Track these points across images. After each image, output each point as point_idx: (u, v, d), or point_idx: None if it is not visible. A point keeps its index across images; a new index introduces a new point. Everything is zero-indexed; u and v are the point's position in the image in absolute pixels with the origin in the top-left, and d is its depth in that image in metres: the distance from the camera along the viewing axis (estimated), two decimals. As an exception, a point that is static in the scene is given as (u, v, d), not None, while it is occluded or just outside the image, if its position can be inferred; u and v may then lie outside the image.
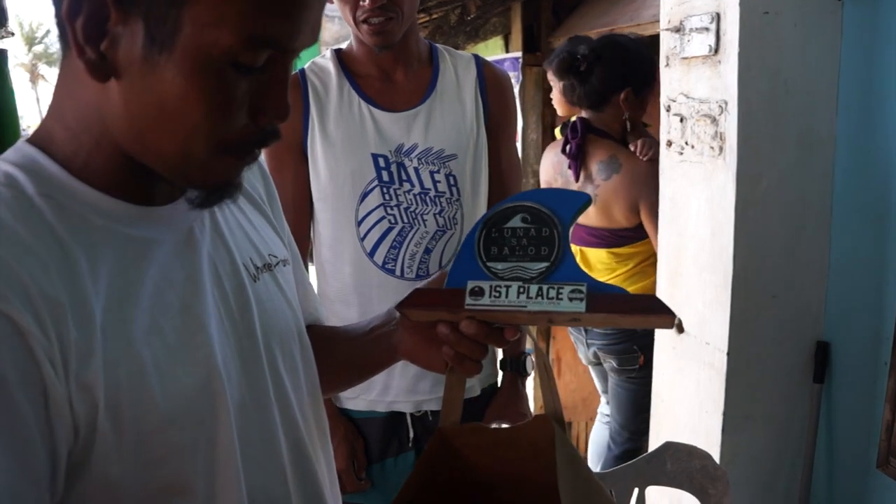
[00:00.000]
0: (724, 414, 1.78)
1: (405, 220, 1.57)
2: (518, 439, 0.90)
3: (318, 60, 1.66)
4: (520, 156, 3.81)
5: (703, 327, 1.85)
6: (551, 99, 3.71)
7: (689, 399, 1.95)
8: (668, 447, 1.69)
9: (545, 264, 0.81)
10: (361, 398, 1.65)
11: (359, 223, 1.57)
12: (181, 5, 0.62)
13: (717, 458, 1.79)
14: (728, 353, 1.75)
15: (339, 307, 1.63)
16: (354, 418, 1.67)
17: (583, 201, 0.83)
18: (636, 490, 1.72)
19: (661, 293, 2.05)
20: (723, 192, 1.72)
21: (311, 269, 1.69)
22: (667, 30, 1.93)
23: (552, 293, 0.79)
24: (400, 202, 1.57)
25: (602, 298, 0.78)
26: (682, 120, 1.90)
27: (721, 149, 1.73)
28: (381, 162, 1.56)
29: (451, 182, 1.59)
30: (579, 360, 3.83)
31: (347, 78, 1.61)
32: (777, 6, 1.66)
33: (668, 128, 2.00)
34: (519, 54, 3.76)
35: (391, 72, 1.61)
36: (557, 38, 3.66)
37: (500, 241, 0.83)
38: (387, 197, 1.56)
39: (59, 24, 0.66)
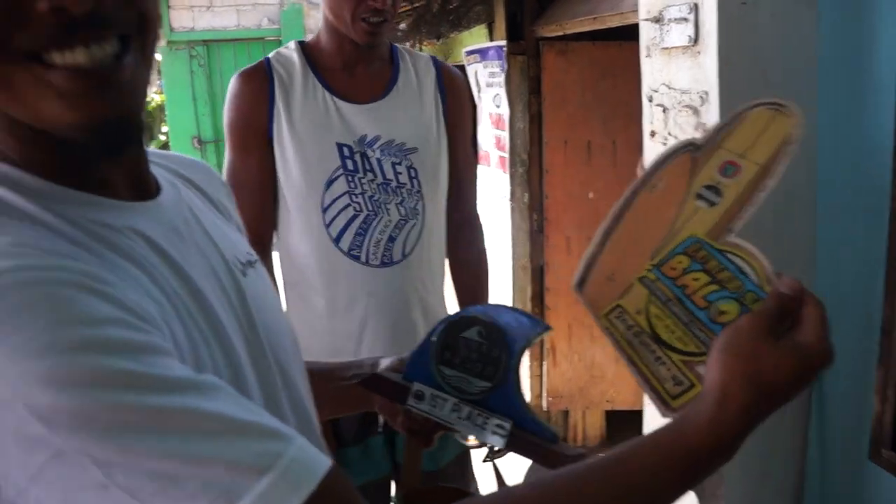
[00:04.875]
0: (715, 408, 1.77)
1: (369, 209, 1.62)
2: None
3: (282, 51, 1.72)
4: (507, 145, 3.81)
5: (692, 321, 1.83)
6: (537, 87, 3.70)
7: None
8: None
9: (487, 384, 0.83)
10: None
11: (324, 210, 1.62)
12: None
13: (709, 452, 1.78)
14: (716, 348, 1.74)
15: (305, 291, 1.67)
16: None
17: (540, 331, 0.85)
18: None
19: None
20: (706, 185, 1.70)
21: (275, 256, 1.73)
22: (646, 20, 1.91)
23: (480, 421, 0.82)
24: (364, 191, 1.61)
25: (522, 440, 0.81)
26: (664, 110, 1.87)
27: (703, 141, 1.71)
28: (346, 151, 1.61)
29: (412, 174, 1.64)
30: (573, 349, 3.83)
31: (312, 70, 1.65)
32: (755, -5, 1.63)
33: (650, 118, 1.98)
34: (503, 43, 3.72)
35: (354, 66, 1.66)
36: (541, 26, 3.63)
37: (454, 347, 0.86)
38: (352, 185, 1.61)
39: None
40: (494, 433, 0.80)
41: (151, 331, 0.57)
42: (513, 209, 3.90)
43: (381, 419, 1.72)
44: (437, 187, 1.71)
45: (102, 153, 0.64)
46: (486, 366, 0.83)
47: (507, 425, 0.80)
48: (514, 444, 0.80)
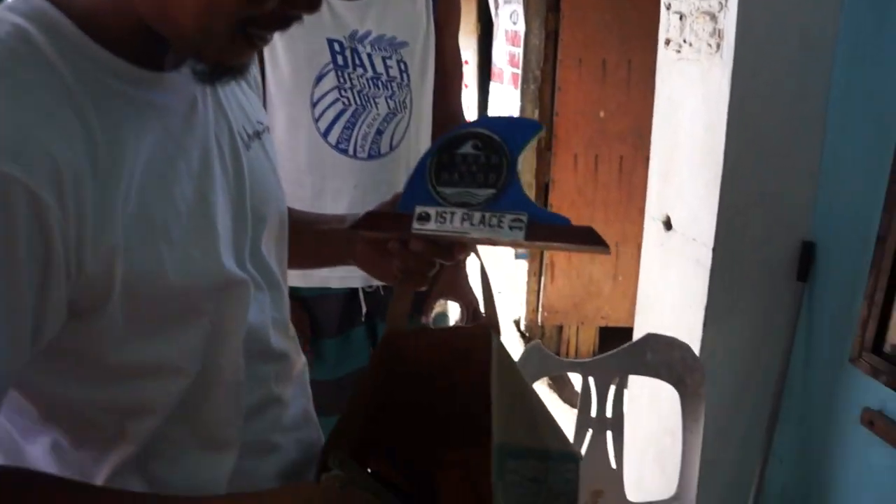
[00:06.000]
0: (707, 308, 1.82)
1: (358, 102, 1.64)
2: (456, 343, 0.95)
3: None
4: (521, 61, 3.79)
5: (692, 224, 1.87)
6: (555, 4, 3.67)
7: (674, 294, 1.99)
8: (649, 338, 1.74)
9: (491, 191, 0.83)
10: (315, 275, 1.70)
11: (314, 104, 1.63)
12: None
13: (697, 351, 1.84)
14: (714, 249, 1.78)
15: (292, 187, 1.65)
16: (306, 297, 1.71)
17: (535, 130, 0.84)
18: (617, 379, 1.78)
19: (652, 190, 2.07)
20: (718, 89, 1.72)
21: None
22: (672, -78, 1.89)
23: (494, 221, 0.82)
24: (354, 85, 1.63)
25: (541, 229, 0.81)
26: (681, 17, 1.88)
27: (719, 46, 1.72)
28: (337, 46, 1.61)
29: (402, 68, 1.66)
30: (572, 265, 3.89)
31: None
32: None
33: (667, 26, 1.99)
34: (525, -45, 3.67)
35: None
36: (564, -61, 3.58)
37: (451, 166, 0.85)
38: (341, 80, 1.62)
39: None
40: (512, 228, 0.81)
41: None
42: (522, 126, 3.90)
43: (363, 308, 1.76)
44: (425, 82, 1.73)
45: (210, 78, 0.72)
46: (489, 174, 0.83)
47: (524, 217, 0.81)
48: (535, 233, 0.80)
